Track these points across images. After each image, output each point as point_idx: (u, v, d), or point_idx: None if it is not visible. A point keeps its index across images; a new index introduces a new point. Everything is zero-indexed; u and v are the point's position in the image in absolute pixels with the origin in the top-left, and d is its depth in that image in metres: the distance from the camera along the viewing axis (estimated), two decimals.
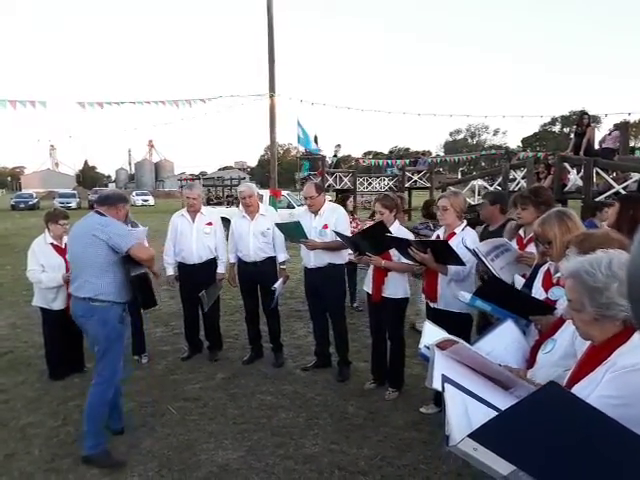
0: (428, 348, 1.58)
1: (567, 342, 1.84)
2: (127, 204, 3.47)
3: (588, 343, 1.58)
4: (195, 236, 4.69)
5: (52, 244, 4.35)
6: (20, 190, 55.09)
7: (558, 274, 2.43)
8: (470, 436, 0.93)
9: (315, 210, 4.32)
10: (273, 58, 13.84)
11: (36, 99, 10.84)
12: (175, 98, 13.07)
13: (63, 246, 4.39)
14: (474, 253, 3.06)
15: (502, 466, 0.95)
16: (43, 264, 4.27)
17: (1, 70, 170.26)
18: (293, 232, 4.27)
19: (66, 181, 75.02)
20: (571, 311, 1.42)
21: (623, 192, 8.79)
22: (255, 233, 4.56)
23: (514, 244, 3.25)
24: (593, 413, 0.93)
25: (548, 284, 2.43)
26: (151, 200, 39.79)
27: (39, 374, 4.49)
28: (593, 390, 1.27)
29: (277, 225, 4.48)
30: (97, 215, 3.21)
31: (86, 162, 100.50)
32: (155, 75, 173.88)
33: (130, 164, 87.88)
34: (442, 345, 1.54)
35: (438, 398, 3.77)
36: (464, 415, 1.15)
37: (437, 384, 1.33)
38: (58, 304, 4.36)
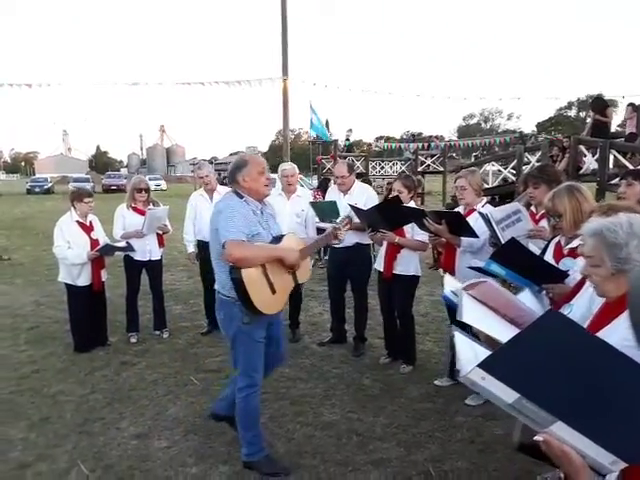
0: (455, 294, 1.66)
1: (584, 307, 1.91)
2: (255, 166, 2.72)
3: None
4: None
5: (78, 222, 4.48)
6: (34, 175, 55.64)
7: (569, 246, 2.51)
8: (479, 365, 1.01)
9: (345, 189, 4.39)
10: (286, 40, 13.81)
11: (52, 81, 10.97)
12: (187, 81, 13.14)
13: (88, 224, 4.54)
14: (486, 219, 3.11)
15: (507, 394, 1.02)
16: (69, 241, 4.41)
17: (18, 53, 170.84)
18: (327, 211, 4.31)
19: (79, 166, 75.69)
20: (589, 268, 1.50)
21: None
22: (290, 213, 4.60)
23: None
24: (593, 340, 0.99)
25: (559, 255, 2.51)
26: (163, 184, 39.97)
27: (65, 347, 4.67)
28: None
29: (311, 204, 4.55)
30: (230, 193, 2.76)
31: (98, 147, 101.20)
32: (165, 60, 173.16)
33: (142, 149, 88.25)
34: (469, 287, 1.62)
35: (452, 371, 3.88)
36: (473, 357, 1.24)
37: (467, 319, 1.43)
38: (83, 280, 4.51)
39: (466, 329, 1.64)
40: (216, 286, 2.79)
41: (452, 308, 1.71)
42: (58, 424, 3.30)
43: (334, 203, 4.20)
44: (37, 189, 33.55)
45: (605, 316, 1.51)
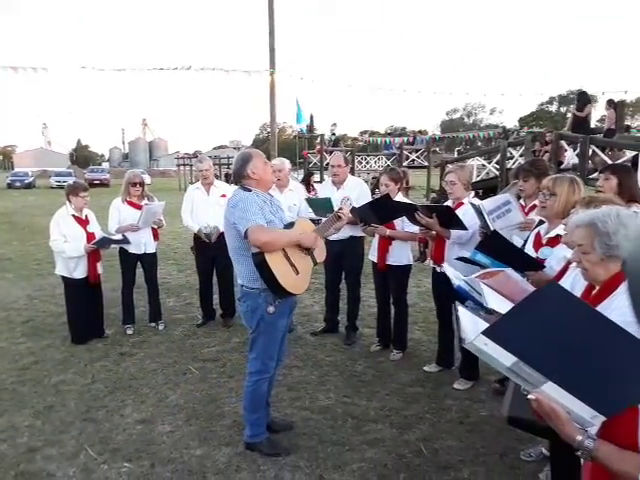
0: (469, 284, 1.78)
1: (568, 288, 2.09)
2: (252, 163, 2.83)
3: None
4: (211, 208, 4.89)
5: (73, 215, 4.54)
6: (12, 169, 54.46)
7: (547, 235, 2.71)
8: (483, 333, 1.16)
9: (340, 180, 4.54)
10: (273, 33, 13.83)
11: (37, 65, 10.89)
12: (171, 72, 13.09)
13: (84, 217, 4.60)
14: (477, 209, 3.29)
15: (507, 358, 1.16)
16: (65, 234, 4.48)
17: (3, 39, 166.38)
18: (322, 207, 4.41)
19: (59, 160, 74.24)
20: (580, 254, 1.66)
21: None
22: (283, 207, 4.70)
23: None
24: (589, 310, 1.12)
25: (538, 245, 2.71)
26: (147, 179, 39.43)
27: (62, 339, 4.74)
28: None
29: (307, 199, 4.69)
30: (240, 190, 2.84)
31: (79, 141, 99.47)
32: (149, 51, 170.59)
33: (124, 143, 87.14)
34: (483, 276, 1.77)
35: (440, 358, 4.08)
36: (475, 328, 1.40)
37: (493, 305, 1.56)
38: (79, 273, 4.59)
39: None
40: (239, 280, 2.90)
41: (465, 297, 1.84)
42: (62, 412, 3.40)
43: (329, 200, 4.32)
44: (18, 183, 32.88)
45: (593, 298, 1.67)
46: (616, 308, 1.51)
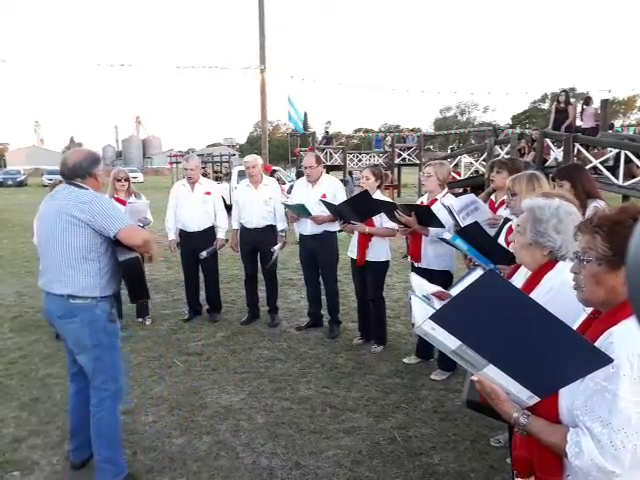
0: (427, 297, 1.84)
1: (520, 283, 2.21)
2: (102, 164, 2.62)
3: None
4: (193, 205, 5.00)
5: None
6: (5, 167, 54.16)
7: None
8: (430, 318, 1.24)
9: (314, 179, 4.65)
10: (264, 32, 13.89)
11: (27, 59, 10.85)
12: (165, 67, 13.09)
13: None
14: (448, 209, 3.40)
15: (452, 342, 1.25)
16: None
17: None
18: (299, 212, 4.60)
19: (52, 158, 73.43)
20: (516, 234, 1.78)
21: (600, 167, 9.22)
22: (258, 201, 4.89)
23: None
24: (523, 297, 1.19)
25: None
26: (140, 177, 39.35)
27: (50, 334, 4.80)
28: None
29: (286, 205, 4.86)
30: (75, 188, 2.46)
31: (72, 139, 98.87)
32: (140, 48, 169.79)
33: (117, 141, 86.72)
34: (437, 294, 1.86)
35: (419, 350, 4.19)
36: (425, 314, 1.50)
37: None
38: None
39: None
40: (66, 291, 2.44)
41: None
42: (48, 404, 3.48)
43: (303, 205, 4.49)
44: (10, 182, 32.89)
45: (526, 287, 1.79)
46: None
